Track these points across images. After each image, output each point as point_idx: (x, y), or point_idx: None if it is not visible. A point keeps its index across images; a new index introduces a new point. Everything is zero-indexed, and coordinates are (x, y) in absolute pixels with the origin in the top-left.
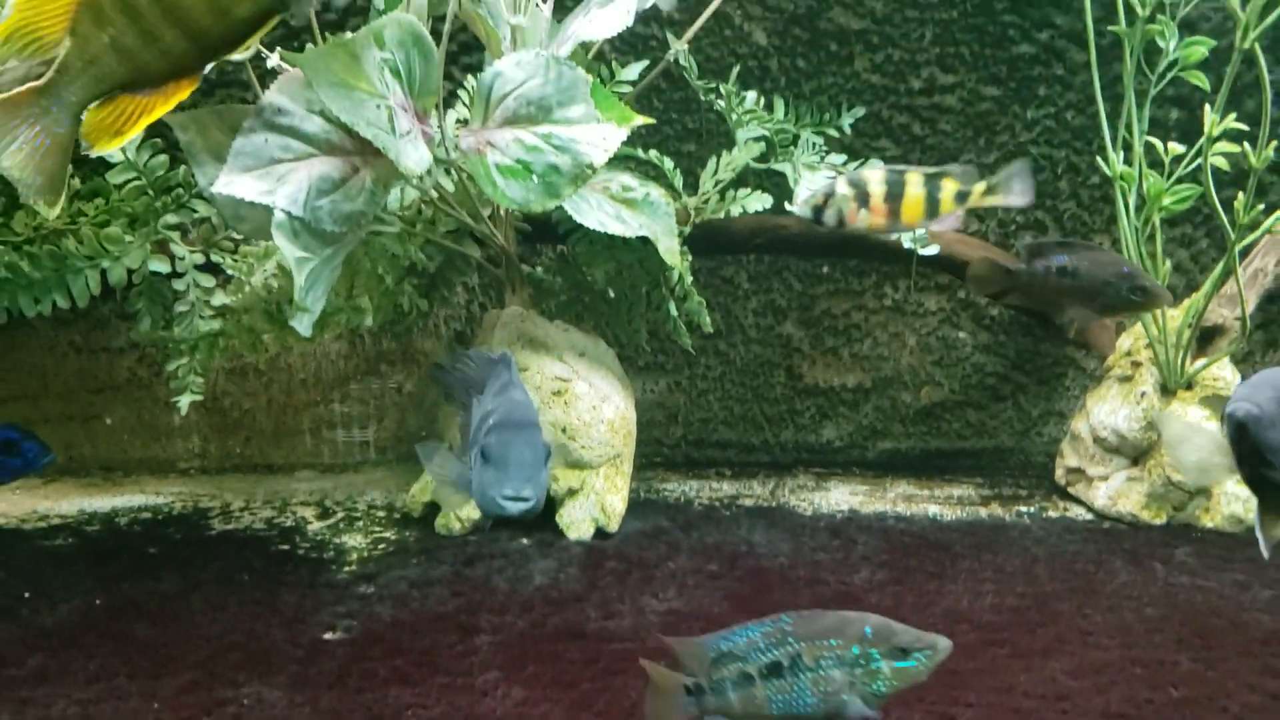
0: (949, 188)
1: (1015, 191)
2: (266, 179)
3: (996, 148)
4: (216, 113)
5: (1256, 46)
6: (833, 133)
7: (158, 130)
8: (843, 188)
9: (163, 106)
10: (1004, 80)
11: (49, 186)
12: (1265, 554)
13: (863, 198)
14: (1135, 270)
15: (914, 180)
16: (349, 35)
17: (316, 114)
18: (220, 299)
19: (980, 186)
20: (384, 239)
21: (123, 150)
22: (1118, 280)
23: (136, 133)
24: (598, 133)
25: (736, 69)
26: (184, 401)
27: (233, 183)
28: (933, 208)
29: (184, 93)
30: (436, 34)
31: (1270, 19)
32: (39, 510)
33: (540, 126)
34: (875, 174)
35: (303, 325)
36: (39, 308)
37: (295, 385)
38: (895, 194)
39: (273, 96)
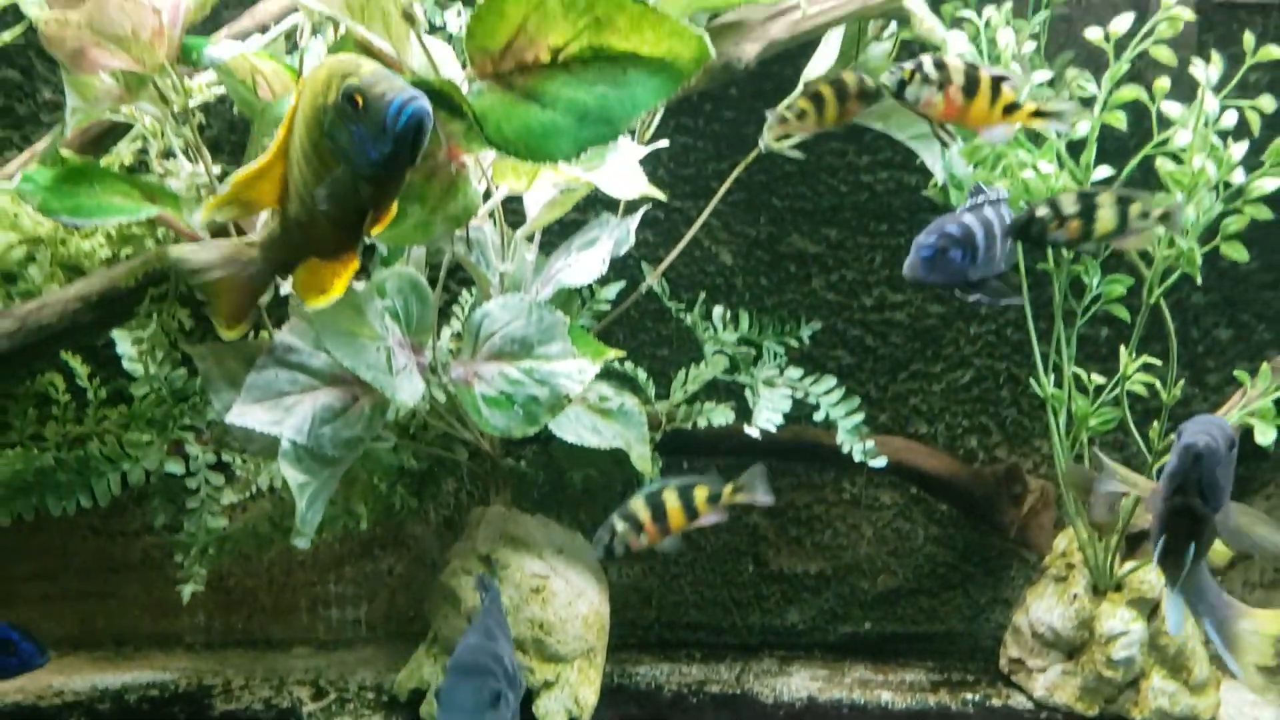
0: (700, 494)
1: (759, 491)
2: (275, 410)
3: (942, 359)
4: (233, 346)
5: (1161, 301)
6: (793, 343)
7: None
8: (619, 524)
9: (346, 274)
10: (948, 299)
11: (235, 318)
12: (1170, 593)
13: (637, 526)
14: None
15: (670, 496)
16: (357, 288)
17: (322, 350)
18: (229, 497)
19: (729, 489)
20: (379, 451)
21: (145, 366)
22: None
23: (338, 294)
24: (574, 366)
25: (704, 294)
26: (186, 591)
27: (245, 413)
28: (691, 513)
29: (353, 264)
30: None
31: (1170, 281)
32: (54, 686)
33: (522, 362)
34: (639, 501)
35: (303, 542)
36: (64, 506)
37: (294, 566)
38: (659, 514)
39: (284, 337)
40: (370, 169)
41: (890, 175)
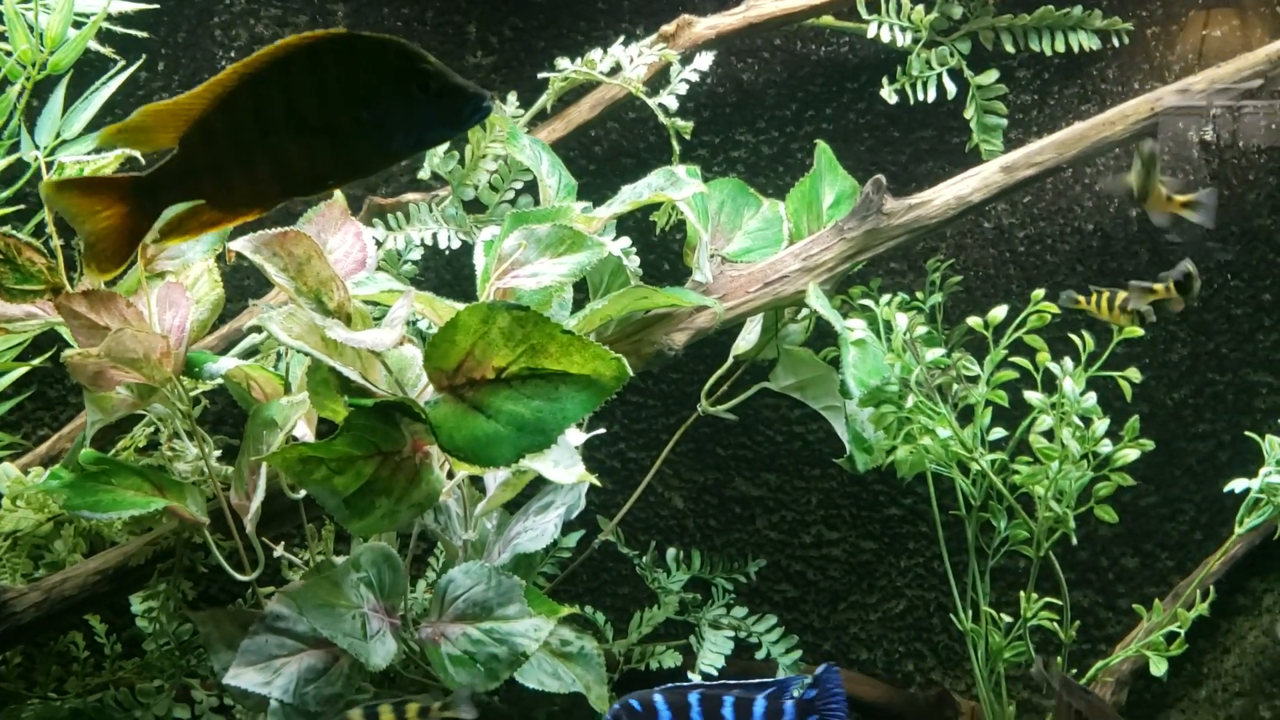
0: (412, 709)
1: (463, 709)
2: (265, 671)
3: (877, 590)
4: (229, 613)
5: (1051, 554)
6: (741, 579)
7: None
8: None
9: (228, 223)
10: (879, 536)
11: (112, 260)
12: None
13: None
14: None
15: (386, 710)
16: (336, 563)
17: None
18: None
19: (436, 705)
20: (360, 701)
21: (160, 623)
22: None
23: (195, 238)
24: (530, 625)
25: (655, 542)
26: None
27: (240, 675)
28: None
29: (250, 218)
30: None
31: (1055, 537)
32: None
33: (483, 623)
34: (357, 712)
35: None
36: None
37: None
38: None
39: (274, 606)
40: (406, 145)
41: (820, 426)
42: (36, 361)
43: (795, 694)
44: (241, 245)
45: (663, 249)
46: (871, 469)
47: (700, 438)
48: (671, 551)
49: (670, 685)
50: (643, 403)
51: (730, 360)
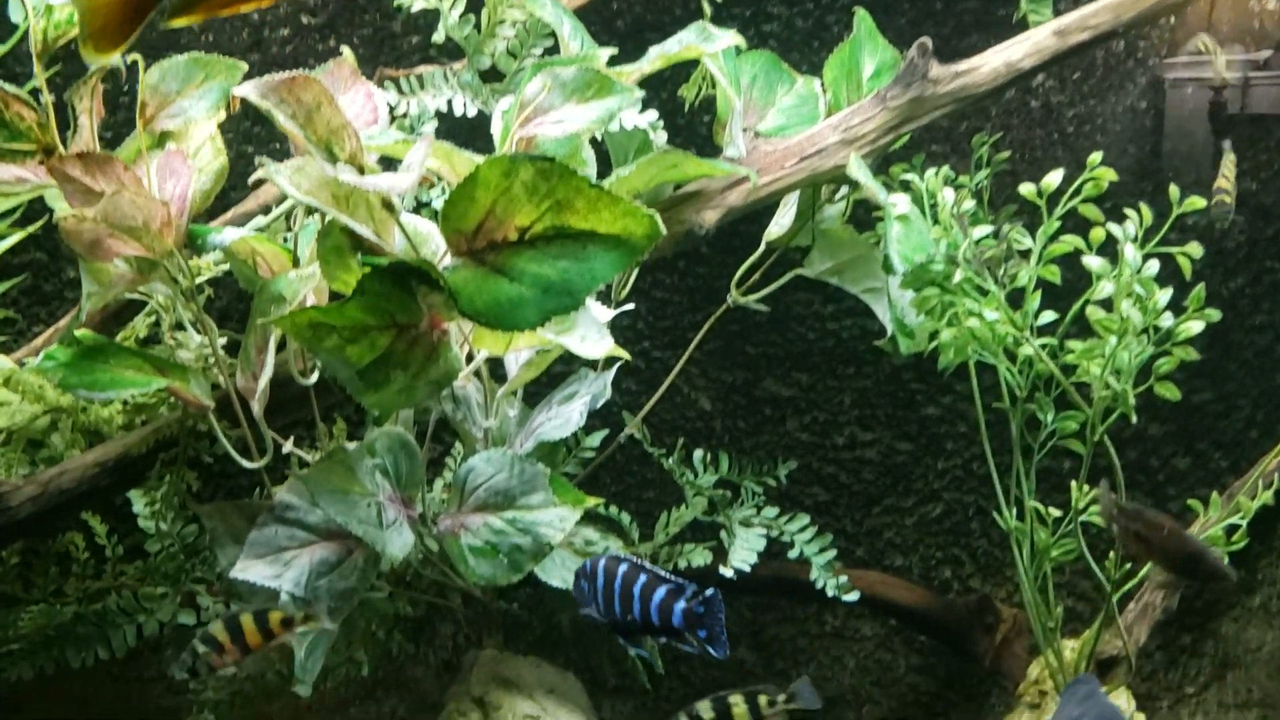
0: (275, 616)
1: (324, 620)
2: (275, 564)
3: (913, 494)
4: (237, 505)
5: (1106, 438)
6: (771, 482)
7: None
8: (200, 647)
9: (237, 8)
10: (915, 437)
11: (111, 39)
12: None
13: (218, 648)
14: None
15: (247, 620)
16: (348, 448)
17: (318, 507)
18: None
19: (300, 615)
20: (375, 600)
21: (159, 524)
22: None
23: (207, 16)
24: (555, 515)
25: (684, 438)
26: None
27: (248, 568)
28: (267, 634)
29: (264, 3)
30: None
31: (1112, 419)
32: None
33: (506, 512)
34: (218, 625)
35: (304, 690)
36: (83, 658)
37: (300, 711)
38: (237, 636)
39: (283, 496)
40: None
41: (854, 322)
42: (32, 228)
43: (687, 601)
44: (247, 90)
45: (690, 131)
46: (909, 365)
47: (729, 335)
48: (699, 453)
49: (615, 554)
50: (668, 299)
51: (762, 247)
